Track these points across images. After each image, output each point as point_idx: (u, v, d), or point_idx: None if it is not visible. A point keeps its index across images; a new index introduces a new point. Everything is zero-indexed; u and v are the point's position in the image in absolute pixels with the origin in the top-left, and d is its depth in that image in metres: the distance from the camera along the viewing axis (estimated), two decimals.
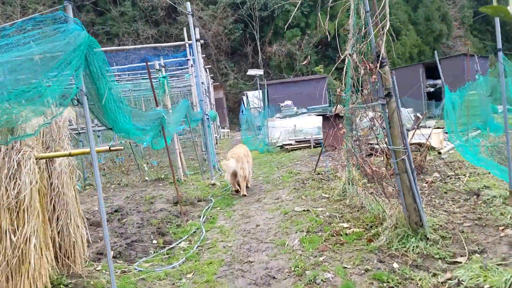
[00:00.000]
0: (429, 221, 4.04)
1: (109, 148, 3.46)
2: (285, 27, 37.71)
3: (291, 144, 12.65)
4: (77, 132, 9.38)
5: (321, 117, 13.31)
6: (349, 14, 6.11)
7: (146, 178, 9.67)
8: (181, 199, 6.67)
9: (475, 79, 11.63)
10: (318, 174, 8.10)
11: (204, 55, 26.79)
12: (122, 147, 4.09)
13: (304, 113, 25.44)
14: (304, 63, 29.88)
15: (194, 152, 11.68)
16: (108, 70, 2.53)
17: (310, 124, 16.00)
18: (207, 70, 22.32)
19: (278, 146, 13.32)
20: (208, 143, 11.26)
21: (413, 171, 3.79)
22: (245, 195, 7.12)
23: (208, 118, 11.32)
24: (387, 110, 3.79)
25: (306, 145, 12.69)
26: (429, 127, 16.94)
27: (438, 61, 9.00)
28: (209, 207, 6.61)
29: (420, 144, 7.90)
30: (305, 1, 37.54)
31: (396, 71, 26.13)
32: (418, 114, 11.95)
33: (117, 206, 7.06)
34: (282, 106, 27.41)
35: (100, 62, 2.46)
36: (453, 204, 4.88)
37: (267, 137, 14.08)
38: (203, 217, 6.02)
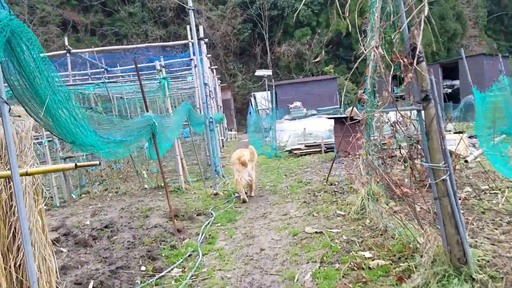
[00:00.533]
0: (473, 254, 3.27)
1: (75, 165, 2.77)
2: (295, 26, 36.98)
3: (300, 149, 11.91)
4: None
5: (332, 119, 12.58)
6: (366, 10, 5.40)
7: (146, 186, 9.02)
8: (175, 216, 5.98)
9: (498, 79, 10.81)
10: (331, 184, 7.35)
11: (211, 55, 26.18)
12: (98, 162, 3.41)
13: (314, 115, 24.66)
14: (317, 59, 29.03)
15: (198, 156, 11.03)
16: (53, 70, 1.85)
17: (320, 127, 15.22)
18: (214, 70, 21.69)
19: (287, 151, 12.58)
20: (211, 148, 10.59)
21: (455, 194, 3.03)
22: (251, 196, 7.47)
23: (212, 122, 10.64)
24: (423, 117, 3.04)
25: (317, 150, 11.93)
26: (449, 131, 16.04)
27: (464, 59, 8.17)
28: (209, 223, 5.91)
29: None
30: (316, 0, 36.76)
31: None
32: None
33: (109, 219, 6.40)
34: (291, 108, 26.66)
35: (36, 56, 1.78)
36: (495, 229, 4.10)
37: (275, 140, 13.35)
38: (201, 235, 5.32)
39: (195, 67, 11.55)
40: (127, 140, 3.23)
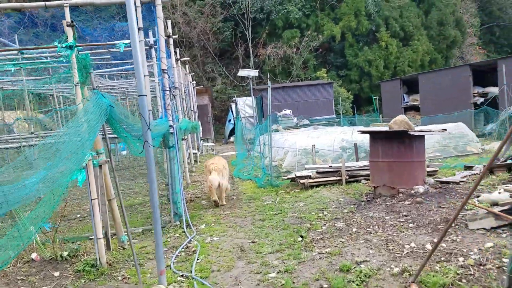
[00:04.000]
0: None
1: None
2: (282, 27, 33.33)
3: (309, 177, 7.85)
4: None
5: (367, 134, 8.72)
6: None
7: (33, 255, 4.74)
8: None
9: None
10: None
11: (187, 56, 21.87)
12: None
13: (307, 125, 20.77)
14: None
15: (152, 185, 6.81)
16: None
17: (325, 142, 11.26)
18: (187, 67, 17.50)
19: (288, 178, 8.44)
20: (172, 174, 6.42)
21: None
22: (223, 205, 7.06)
23: (174, 133, 6.47)
24: None
25: (333, 178, 7.91)
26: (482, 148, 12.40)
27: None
28: None
29: None
30: (307, 2, 33.27)
31: (433, 74, 21.42)
32: None
33: None
34: (279, 116, 22.71)
35: None
36: None
37: (269, 160, 9.22)
38: None
39: (152, 48, 7.41)
40: None
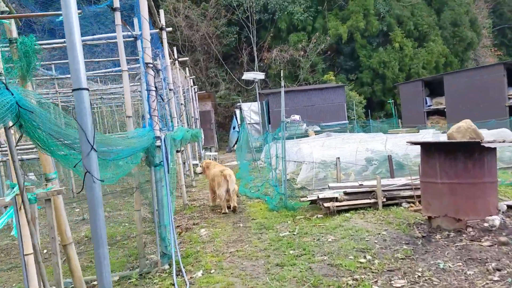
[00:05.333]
0: None
1: None
2: (287, 30, 31.87)
3: (336, 199, 6.20)
4: None
5: (418, 146, 7.13)
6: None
7: None
8: None
9: None
10: None
11: (190, 61, 20.42)
12: None
13: (317, 131, 19.13)
14: None
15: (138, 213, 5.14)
16: None
17: (345, 152, 9.61)
18: (187, 69, 15.96)
19: (308, 200, 6.76)
20: (159, 202, 4.83)
21: None
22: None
23: (162, 146, 4.87)
24: None
25: (366, 200, 6.25)
26: None
27: None
28: None
29: None
30: (313, 3, 31.82)
31: (460, 74, 19.24)
32: None
33: None
34: (287, 122, 21.08)
35: None
36: None
37: (284, 178, 7.55)
38: None
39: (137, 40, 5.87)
40: None
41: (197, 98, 20.57)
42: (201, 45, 32.89)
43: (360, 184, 6.45)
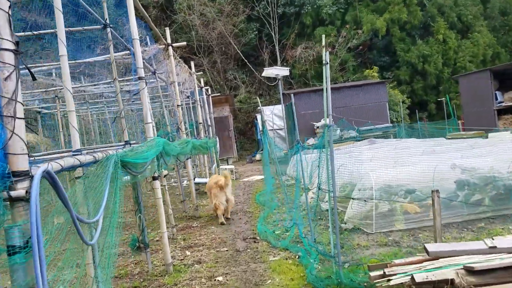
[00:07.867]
0: None
1: None
2: (312, 24, 28.77)
3: (451, 283, 3.00)
4: None
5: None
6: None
7: None
8: None
9: None
10: None
11: (207, 64, 17.65)
12: None
13: (355, 138, 15.84)
14: None
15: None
16: None
17: (414, 169, 6.37)
18: (192, 64, 13.00)
19: (387, 279, 3.58)
20: None
21: None
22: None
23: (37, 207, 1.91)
24: None
25: (504, 280, 3.05)
26: None
27: None
28: None
29: None
30: None
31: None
32: None
33: None
34: (316, 128, 17.92)
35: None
36: None
37: (332, 229, 4.39)
38: None
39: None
40: None
41: (211, 101, 17.73)
42: (218, 45, 30.15)
43: (490, 247, 3.24)
